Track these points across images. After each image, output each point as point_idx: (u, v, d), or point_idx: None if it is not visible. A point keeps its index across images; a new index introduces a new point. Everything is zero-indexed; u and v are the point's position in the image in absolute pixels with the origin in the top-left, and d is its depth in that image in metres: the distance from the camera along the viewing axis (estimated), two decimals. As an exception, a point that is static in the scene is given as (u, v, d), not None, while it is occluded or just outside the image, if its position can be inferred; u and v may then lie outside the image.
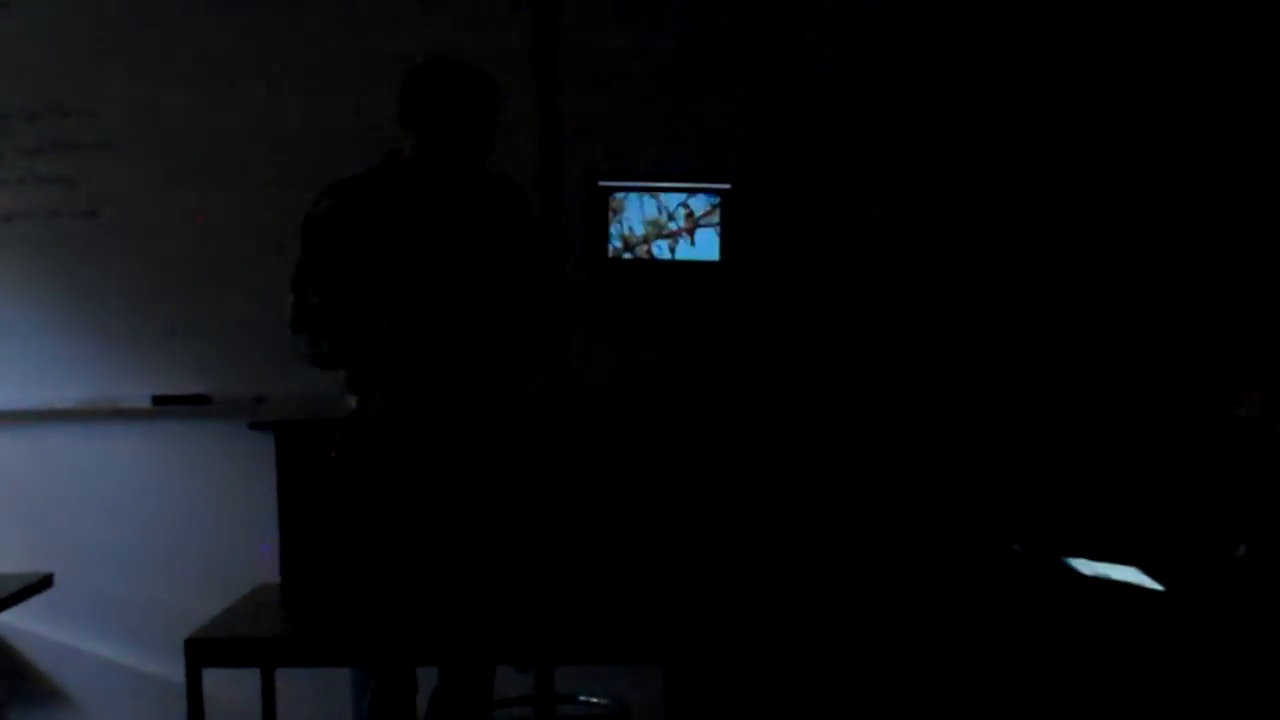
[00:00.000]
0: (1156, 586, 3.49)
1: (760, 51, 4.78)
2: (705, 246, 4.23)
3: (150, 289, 4.93)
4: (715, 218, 4.23)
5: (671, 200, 4.21)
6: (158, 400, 4.94)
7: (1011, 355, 4.67)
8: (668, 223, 4.22)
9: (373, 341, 3.79)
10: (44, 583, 4.23)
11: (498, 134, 3.86)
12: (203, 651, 3.40)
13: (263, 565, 3.68)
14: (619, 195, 4.18)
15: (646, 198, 4.20)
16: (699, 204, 4.20)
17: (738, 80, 4.77)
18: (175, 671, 3.51)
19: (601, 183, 4.18)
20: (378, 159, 3.91)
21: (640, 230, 4.21)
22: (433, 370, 3.84)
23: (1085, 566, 3.61)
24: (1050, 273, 4.71)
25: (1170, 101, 4.71)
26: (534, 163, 4.70)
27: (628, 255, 4.26)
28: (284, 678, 3.90)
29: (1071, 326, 4.67)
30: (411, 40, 4.70)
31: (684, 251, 4.23)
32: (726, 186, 4.20)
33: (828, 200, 4.72)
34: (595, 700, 4.71)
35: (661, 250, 4.23)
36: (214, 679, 3.38)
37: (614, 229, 4.20)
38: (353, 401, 3.79)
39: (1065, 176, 4.74)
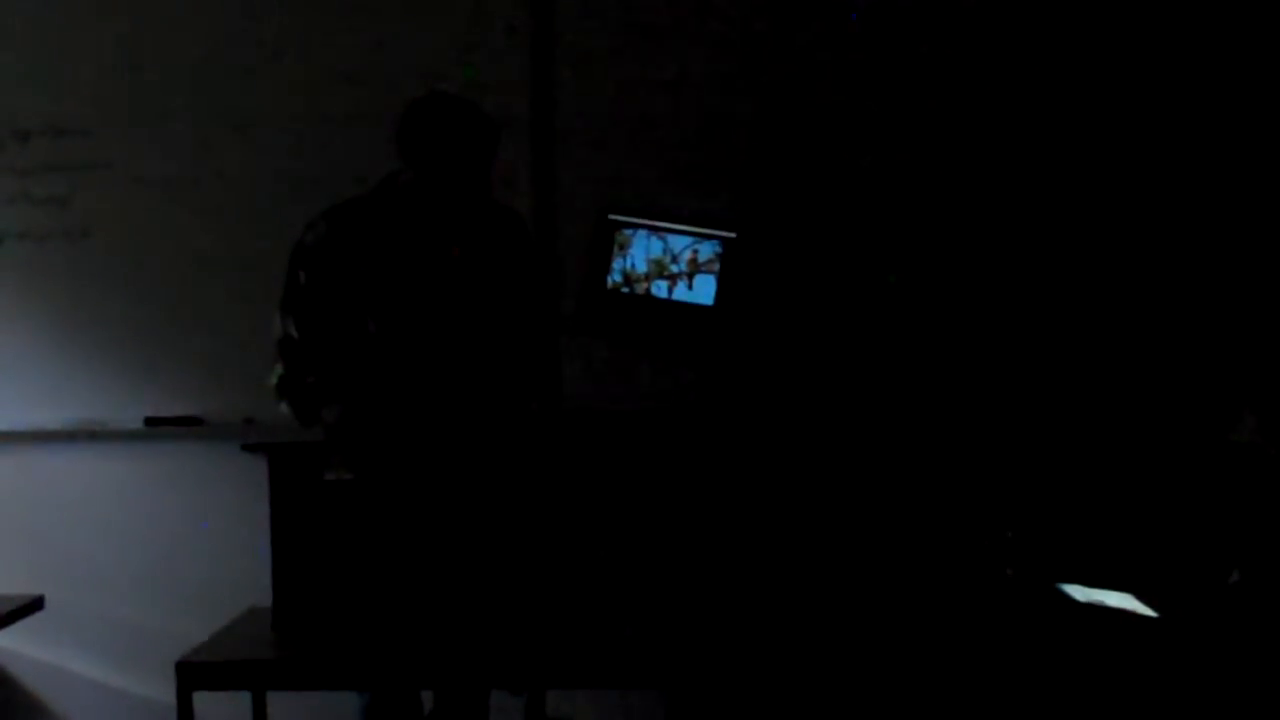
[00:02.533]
0: (1150, 613, 3.48)
1: (766, 77, 4.80)
2: (702, 291, 4.25)
3: (143, 310, 4.93)
4: (717, 265, 4.24)
5: (677, 244, 4.22)
6: (149, 421, 4.93)
7: (1006, 380, 4.67)
8: (670, 264, 4.24)
9: (358, 351, 3.81)
10: (35, 604, 4.21)
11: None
12: (194, 674, 3.38)
13: (255, 588, 3.67)
14: (628, 231, 4.20)
15: (654, 238, 4.22)
16: (705, 251, 4.22)
17: (741, 116, 4.77)
18: (166, 693, 3.49)
19: (611, 215, 4.20)
20: (368, 188, 3.94)
21: (643, 268, 4.23)
22: (418, 383, 3.86)
23: (1078, 592, 3.61)
24: (1045, 299, 4.71)
25: (1169, 117, 4.71)
26: (529, 191, 4.73)
27: (625, 290, 4.27)
28: (276, 701, 3.89)
29: (1066, 351, 4.66)
30: (409, 67, 4.73)
31: (681, 294, 4.25)
32: (730, 235, 4.22)
33: (829, 250, 4.74)
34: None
35: (660, 290, 4.25)
36: (205, 701, 3.36)
37: (617, 263, 4.21)
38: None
39: (1067, 195, 4.73)
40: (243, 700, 3.82)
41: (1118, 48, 4.69)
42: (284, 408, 3.88)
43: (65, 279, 4.96)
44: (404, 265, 3.88)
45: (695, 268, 4.23)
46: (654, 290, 4.23)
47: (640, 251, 4.23)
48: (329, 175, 4.59)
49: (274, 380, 3.89)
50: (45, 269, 4.96)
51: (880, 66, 4.73)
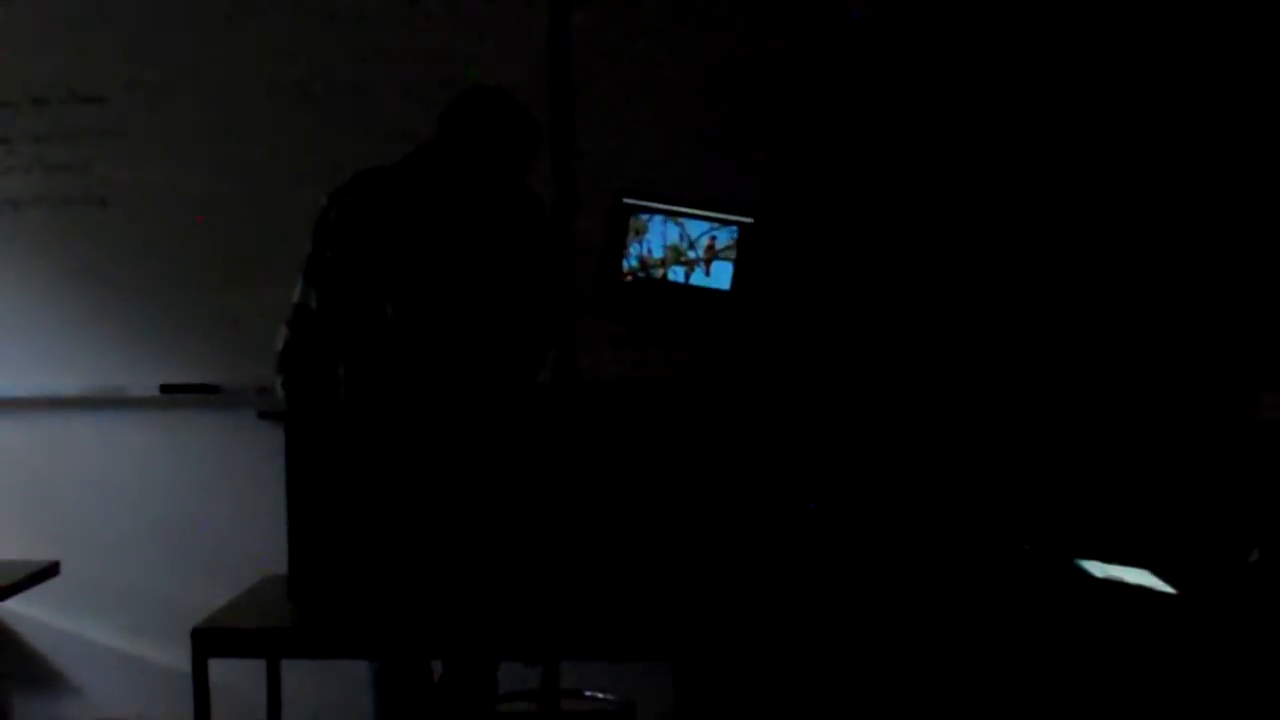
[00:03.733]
0: (1168, 589, 3.47)
1: (780, 74, 4.79)
2: (719, 277, 4.23)
3: (159, 278, 4.92)
4: (734, 252, 4.22)
5: (695, 229, 4.20)
6: (165, 389, 4.93)
7: (1027, 355, 4.65)
8: (688, 250, 4.22)
9: (377, 333, 3.81)
10: (50, 570, 4.21)
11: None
12: (209, 641, 3.37)
13: (270, 556, 3.66)
14: (644, 217, 4.18)
15: (670, 225, 4.19)
16: (723, 237, 4.20)
17: (757, 105, 4.78)
18: (181, 660, 3.48)
19: (626, 200, 4.18)
20: (384, 160, 3.94)
21: (659, 254, 4.21)
22: (436, 362, 3.86)
23: (1096, 568, 3.60)
24: (1067, 274, 4.69)
25: (1185, 96, 4.69)
26: (549, 173, 4.73)
27: (641, 275, 4.26)
28: (290, 668, 3.89)
29: (1088, 327, 4.65)
30: (426, 48, 4.73)
31: (698, 280, 4.23)
32: (748, 220, 4.20)
33: (844, 231, 4.74)
34: (601, 695, 4.71)
35: (677, 276, 4.23)
36: (220, 669, 3.36)
37: (634, 248, 4.20)
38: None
39: (1082, 179, 4.71)
40: (258, 668, 3.82)
41: (1126, 42, 4.69)
42: (278, 385, 3.87)
43: (81, 246, 4.95)
44: (427, 250, 3.88)
45: (713, 254, 4.21)
46: (671, 276, 4.22)
47: (657, 238, 4.21)
48: (350, 143, 4.60)
49: (280, 346, 3.88)
50: (61, 235, 4.96)
51: (894, 61, 4.74)
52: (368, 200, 3.88)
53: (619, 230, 4.18)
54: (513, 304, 3.99)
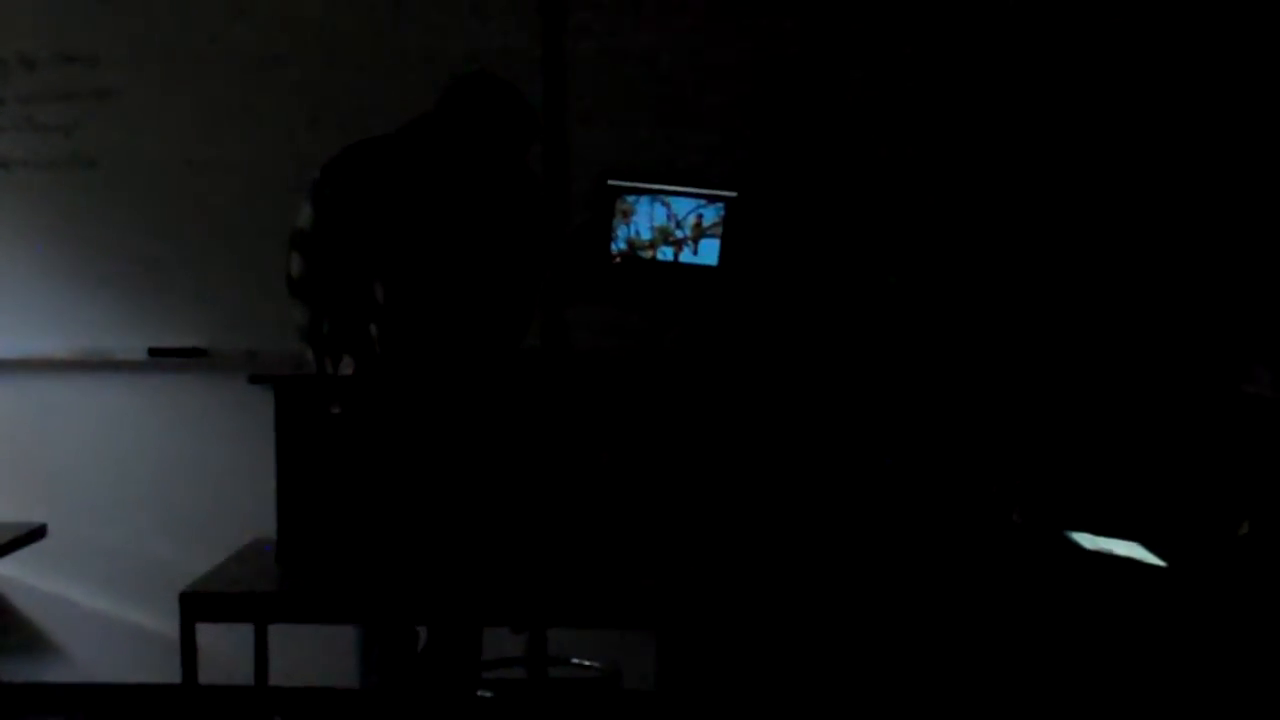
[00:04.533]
0: (1158, 562, 3.47)
1: (766, 55, 4.78)
2: (706, 253, 4.22)
3: (148, 240, 4.91)
4: (721, 229, 4.21)
5: (681, 208, 4.18)
6: (153, 352, 4.92)
7: (1018, 327, 4.65)
8: (675, 230, 4.20)
9: (368, 312, 3.83)
10: (37, 533, 4.20)
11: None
12: (197, 605, 3.36)
13: (258, 519, 3.66)
14: (630, 199, 4.16)
15: (658, 206, 4.18)
16: (709, 215, 4.18)
17: (742, 84, 4.78)
18: (168, 624, 3.48)
19: (611, 181, 4.16)
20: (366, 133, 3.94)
21: (648, 236, 4.19)
22: (426, 338, 3.87)
23: (1086, 540, 3.60)
24: (1057, 247, 4.69)
25: (1171, 79, 4.69)
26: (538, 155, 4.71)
27: (630, 256, 4.25)
28: (277, 633, 3.89)
29: (1080, 300, 4.65)
30: (416, 26, 4.72)
31: (686, 258, 4.22)
32: (732, 194, 4.18)
33: (829, 204, 4.74)
34: (587, 663, 4.71)
35: (666, 255, 4.22)
36: (207, 632, 3.36)
37: (621, 230, 4.18)
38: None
39: (1074, 155, 4.71)
40: (245, 631, 3.82)
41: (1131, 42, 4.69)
42: (309, 355, 3.92)
43: (70, 208, 4.93)
44: (419, 229, 3.89)
45: (700, 232, 4.19)
46: (660, 257, 4.20)
47: (644, 219, 4.19)
48: (342, 113, 4.58)
49: (303, 321, 3.91)
50: (51, 197, 4.94)
51: (889, 55, 4.75)
52: (362, 175, 3.89)
53: (605, 212, 4.16)
54: (502, 283, 4.00)
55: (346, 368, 3.95)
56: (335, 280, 3.91)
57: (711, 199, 4.16)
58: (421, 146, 3.91)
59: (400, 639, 3.99)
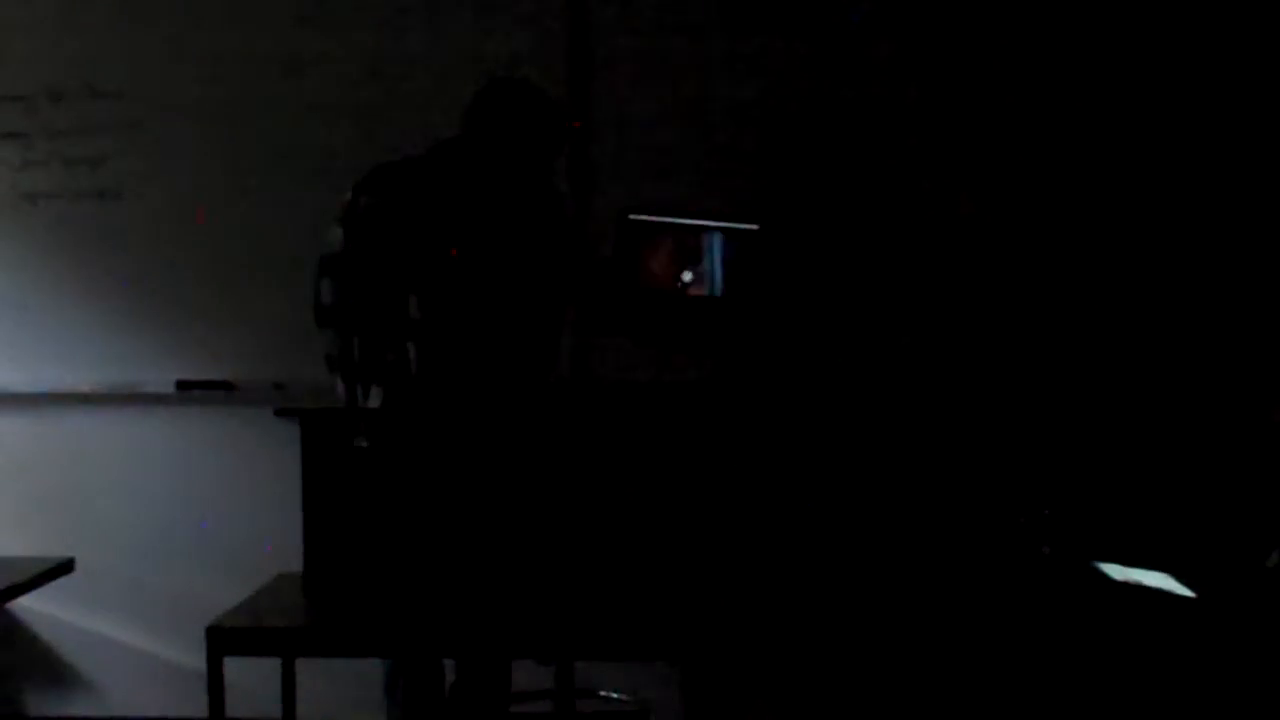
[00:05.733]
0: (1187, 593, 3.45)
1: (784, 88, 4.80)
2: (727, 286, 4.21)
3: (174, 273, 4.92)
4: (742, 260, 4.20)
5: (703, 241, 4.18)
6: (181, 385, 4.93)
7: (1046, 357, 4.64)
8: (695, 262, 4.20)
9: (400, 333, 3.82)
10: (65, 567, 4.21)
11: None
12: (224, 639, 3.37)
13: (285, 553, 3.66)
14: (651, 233, 4.16)
15: (681, 239, 4.17)
16: (730, 246, 4.18)
17: (762, 118, 4.81)
18: (196, 658, 3.48)
19: (632, 216, 4.17)
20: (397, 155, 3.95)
21: (670, 267, 4.19)
22: (460, 363, 3.87)
23: (1115, 571, 3.58)
24: (1086, 274, 4.67)
25: (1207, 99, 4.67)
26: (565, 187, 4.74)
27: (653, 290, 4.24)
28: (305, 667, 3.89)
29: (1108, 329, 4.63)
30: (442, 42, 4.74)
31: (705, 288, 4.21)
32: (753, 227, 4.18)
33: (850, 237, 4.75)
34: (615, 695, 4.70)
35: (688, 289, 4.21)
36: (235, 666, 3.36)
37: (643, 263, 4.18)
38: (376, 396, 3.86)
39: (1101, 178, 4.70)
40: (272, 666, 3.82)
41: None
42: (339, 386, 3.93)
43: (97, 240, 4.95)
44: (453, 245, 3.89)
45: (720, 262, 4.19)
46: (681, 288, 4.20)
47: (665, 253, 4.19)
48: (363, 143, 4.59)
49: (333, 350, 3.92)
50: (78, 230, 4.96)
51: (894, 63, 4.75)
52: (395, 194, 3.89)
53: (628, 247, 4.16)
54: (536, 293, 3.99)
55: (375, 399, 3.95)
56: (368, 302, 3.90)
57: (732, 231, 4.15)
58: (452, 159, 3.92)
59: (426, 674, 3.98)
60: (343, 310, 3.92)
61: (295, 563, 3.56)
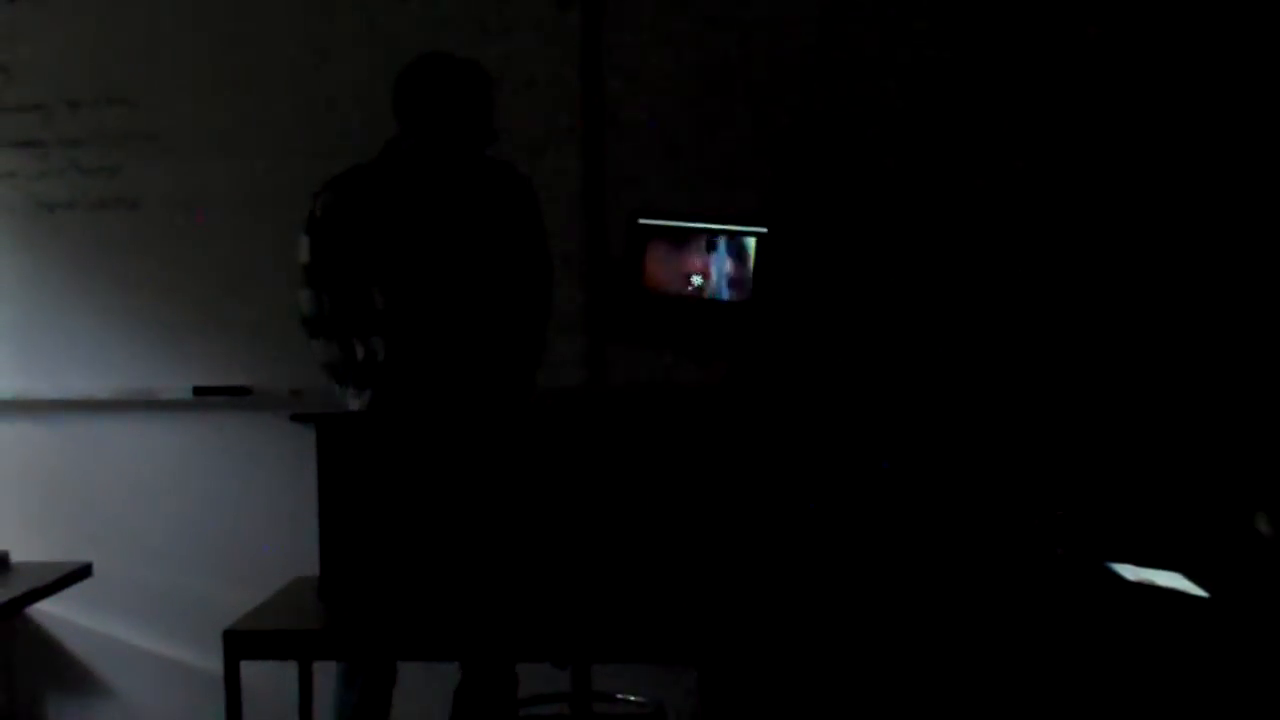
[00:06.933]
0: (1201, 593, 3.45)
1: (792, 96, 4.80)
2: (735, 288, 4.22)
3: (191, 280, 4.94)
4: (750, 263, 4.21)
5: (712, 244, 4.18)
6: (198, 391, 4.95)
7: (1059, 358, 4.63)
8: (704, 265, 4.21)
9: (370, 327, 3.86)
10: (83, 572, 4.23)
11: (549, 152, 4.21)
12: (241, 643, 3.38)
13: (301, 558, 3.68)
14: (659, 237, 4.17)
15: (689, 243, 4.18)
16: (739, 250, 4.18)
17: (771, 120, 4.80)
18: (213, 662, 3.50)
19: (641, 220, 4.17)
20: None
21: (680, 272, 4.20)
22: (433, 358, 3.91)
23: (1129, 572, 3.58)
24: (1100, 275, 4.67)
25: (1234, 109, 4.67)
26: (578, 192, 4.78)
27: (661, 294, 4.25)
28: (322, 670, 3.90)
29: (1122, 330, 4.63)
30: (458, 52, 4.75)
31: (714, 292, 4.22)
32: (762, 230, 4.19)
33: (859, 239, 4.75)
34: (632, 699, 4.70)
35: (698, 292, 4.22)
36: (252, 670, 3.37)
37: (650, 266, 4.19)
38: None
39: (1111, 184, 4.69)
40: (290, 669, 3.83)
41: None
42: (339, 392, 3.99)
43: (114, 248, 4.97)
44: (407, 235, 3.93)
45: (729, 266, 4.20)
46: (690, 291, 4.20)
47: (674, 257, 4.19)
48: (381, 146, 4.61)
49: (326, 360, 3.99)
50: (94, 238, 4.98)
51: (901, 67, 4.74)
52: (346, 195, 3.97)
53: (635, 250, 4.17)
54: (502, 285, 4.02)
55: (361, 401, 3.99)
56: (343, 307, 3.97)
57: (740, 234, 4.16)
58: (394, 150, 4.00)
59: (374, 677, 4.02)
60: (324, 318, 4.00)
61: (312, 567, 3.58)
